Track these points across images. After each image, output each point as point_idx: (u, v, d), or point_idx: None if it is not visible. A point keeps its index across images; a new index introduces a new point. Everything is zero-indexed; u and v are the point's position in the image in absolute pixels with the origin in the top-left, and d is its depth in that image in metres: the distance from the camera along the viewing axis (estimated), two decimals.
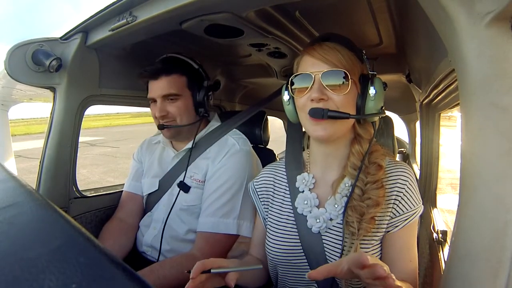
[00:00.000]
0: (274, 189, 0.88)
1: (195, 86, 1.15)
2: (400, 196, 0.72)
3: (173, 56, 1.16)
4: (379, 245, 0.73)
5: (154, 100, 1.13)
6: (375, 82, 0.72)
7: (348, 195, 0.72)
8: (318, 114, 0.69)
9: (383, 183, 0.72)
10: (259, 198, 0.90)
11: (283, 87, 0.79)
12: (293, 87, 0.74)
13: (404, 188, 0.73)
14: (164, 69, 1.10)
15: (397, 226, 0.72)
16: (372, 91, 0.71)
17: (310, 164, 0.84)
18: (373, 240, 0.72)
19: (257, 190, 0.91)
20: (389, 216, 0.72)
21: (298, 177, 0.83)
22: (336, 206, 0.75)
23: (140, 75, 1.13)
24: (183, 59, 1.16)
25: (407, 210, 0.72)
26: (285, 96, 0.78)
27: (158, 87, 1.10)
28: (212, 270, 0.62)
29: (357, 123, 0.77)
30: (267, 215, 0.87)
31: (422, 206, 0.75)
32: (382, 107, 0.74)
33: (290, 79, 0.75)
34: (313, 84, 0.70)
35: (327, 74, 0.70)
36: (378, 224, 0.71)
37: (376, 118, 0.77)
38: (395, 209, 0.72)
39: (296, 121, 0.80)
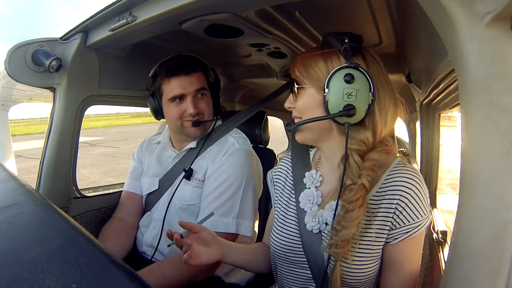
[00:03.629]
0: (285, 181, 0.89)
1: (212, 85, 1.19)
2: (402, 207, 0.66)
3: (189, 54, 1.17)
4: (378, 254, 0.69)
5: (181, 98, 1.10)
6: (332, 79, 0.65)
7: None
8: (288, 127, 0.80)
9: (364, 201, 0.65)
10: (274, 188, 0.91)
11: None
12: None
13: (406, 198, 0.66)
14: (192, 66, 1.11)
15: (396, 238, 0.67)
16: (326, 89, 0.66)
17: (321, 163, 0.84)
18: (369, 250, 0.68)
19: (274, 179, 0.92)
20: (389, 227, 0.67)
21: (306, 173, 0.83)
22: (332, 212, 0.72)
23: (167, 72, 1.09)
24: (200, 58, 1.18)
25: (409, 222, 0.66)
26: None
27: (189, 83, 1.10)
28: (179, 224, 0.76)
29: (336, 131, 0.72)
30: (276, 206, 0.88)
31: (429, 218, 0.68)
32: (347, 105, 0.64)
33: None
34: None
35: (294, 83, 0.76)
36: (376, 234, 0.68)
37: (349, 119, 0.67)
38: (396, 220, 0.67)
39: None
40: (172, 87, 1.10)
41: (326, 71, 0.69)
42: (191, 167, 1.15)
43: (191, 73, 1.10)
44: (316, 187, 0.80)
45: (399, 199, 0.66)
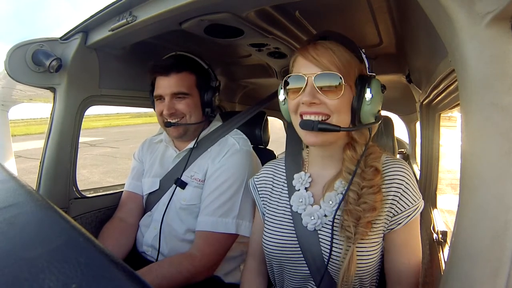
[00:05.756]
0: (273, 186, 0.89)
1: (203, 86, 1.16)
2: (399, 194, 0.72)
3: (183, 54, 1.16)
4: (378, 245, 0.73)
5: (161, 98, 1.12)
6: (372, 85, 0.69)
7: (343, 192, 0.72)
8: (308, 126, 0.68)
9: (380, 187, 0.71)
10: (259, 194, 0.91)
11: (279, 86, 0.78)
12: (287, 87, 0.73)
13: (402, 186, 0.72)
14: (175, 65, 1.09)
15: (399, 223, 0.72)
16: (368, 94, 0.68)
17: (309, 163, 0.84)
18: (370, 241, 0.71)
19: (257, 186, 0.92)
20: (387, 216, 0.72)
21: (295, 175, 0.83)
22: (331, 202, 0.75)
23: (149, 70, 1.12)
24: (193, 58, 1.17)
25: (409, 206, 0.72)
26: (281, 96, 0.77)
27: (168, 84, 1.09)
28: None
29: (352, 124, 0.74)
30: (265, 211, 0.88)
31: (422, 201, 0.74)
32: (379, 111, 0.72)
33: (284, 79, 0.74)
34: (305, 87, 0.68)
35: (319, 77, 0.67)
36: (374, 226, 0.71)
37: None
38: (395, 208, 0.72)
39: (291, 121, 0.79)
40: (156, 85, 1.13)
41: (356, 73, 0.70)
42: (190, 166, 1.15)
43: (170, 74, 1.09)
44: (306, 188, 0.81)
45: (397, 187, 0.72)
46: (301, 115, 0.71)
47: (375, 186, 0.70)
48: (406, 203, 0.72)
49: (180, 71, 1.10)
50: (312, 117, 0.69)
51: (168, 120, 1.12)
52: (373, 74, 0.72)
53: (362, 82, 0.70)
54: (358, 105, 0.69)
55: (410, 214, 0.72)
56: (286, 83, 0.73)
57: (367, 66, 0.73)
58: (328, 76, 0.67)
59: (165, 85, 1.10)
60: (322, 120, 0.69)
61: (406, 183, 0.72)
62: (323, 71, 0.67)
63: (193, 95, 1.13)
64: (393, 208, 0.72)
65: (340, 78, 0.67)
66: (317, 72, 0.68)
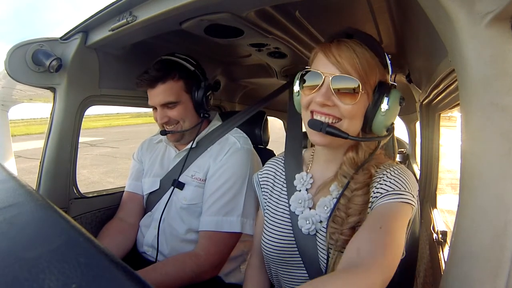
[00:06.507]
0: (274, 183, 0.88)
1: (193, 88, 1.14)
2: (381, 184, 0.67)
3: (168, 59, 1.13)
4: None
5: (155, 107, 1.13)
6: (391, 95, 0.66)
7: (337, 197, 0.70)
8: (316, 127, 0.66)
9: (369, 188, 0.68)
10: (262, 191, 0.90)
11: (296, 77, 0.73)
12: (303, 82, 0.70)
13: (386, 175, 0.68)
14: (159, 77, 1.08)
15: (374, 204, 0.66)
16: (384, 105, 0.66)
17: (312, 164, 0.83)
18: None
19: (260, 182, 0.91)
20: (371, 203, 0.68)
21: (297, 175, 0.82)
22: (325, 208, 0.73)
23: (137, 85, 1.12)
24: (178, 61, 1.13)
25: (386, 191, 0.65)
26: (296, 87, 0.73)
27: (155, 96, 1.09)
28: None
29: (362, 131, 0.71)
30: (265, 209, 0.87)
31: (411, 197, 0.65)
32: (392, 123, 0.69)
33: (301, 72, 0.71)
34: (321, 86, 0.65)
35: (337, 79, 0.64)
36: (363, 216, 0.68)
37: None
38: (375, 191, 0.67)
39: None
40: (148, 96, 1.13)
41: (376, 79, 0.68)
42: (190, 166, 1.15)
43: (156, 86, 1.08)
44: (307, 189, 0.79)
45: (381, 178, 0.68)
46: (311, 113, 0.69)
47: (364, 188, 0.68)
48: (384, 188, 0.66)
49: (165, 80, 1.08)
50: (323, 118, 0.67)
51: (164, 128, 1.14)
52: (395, 83, 0.69)
53: (381, 90, 0.67)
54: (372, 113, 0.67)
55: (385, 196, 0.64)
56: (303, 77, 0.70)
57: (390, 73, 0.70)
58: (346, 80, 0.64)
59: (153, 97, 1.10)
60: (332, 122, 0.67)
61: (391, 174, 0.68)
62: (342, 73, 0.64)
63: (183, 101, 1.12)
64: (374, 192, 0.68)
65: (359, 84, 0.64)
66: (336, 74, 0.64)
